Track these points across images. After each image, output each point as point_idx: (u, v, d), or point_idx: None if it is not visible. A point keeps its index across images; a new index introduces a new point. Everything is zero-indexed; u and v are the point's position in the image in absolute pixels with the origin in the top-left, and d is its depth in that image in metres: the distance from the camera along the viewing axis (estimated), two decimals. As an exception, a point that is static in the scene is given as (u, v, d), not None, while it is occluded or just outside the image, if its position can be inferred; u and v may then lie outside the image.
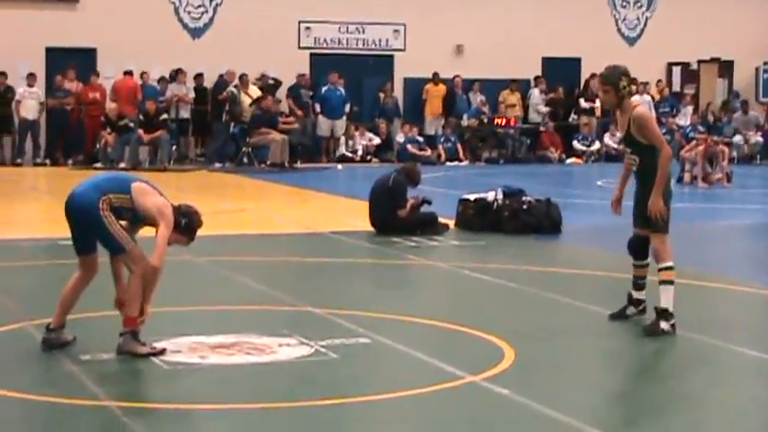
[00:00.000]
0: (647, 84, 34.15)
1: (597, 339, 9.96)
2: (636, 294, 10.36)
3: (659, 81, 35.23)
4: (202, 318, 10.41)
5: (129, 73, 30.09)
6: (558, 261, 14.50)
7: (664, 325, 9.77)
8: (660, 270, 9.98)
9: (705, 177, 25.23)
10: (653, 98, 34.17)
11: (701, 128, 33.94)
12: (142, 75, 30.39)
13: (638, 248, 10.30)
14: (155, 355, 8.86)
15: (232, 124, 30.23)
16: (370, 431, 7.43)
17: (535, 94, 33.86)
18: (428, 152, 31.63)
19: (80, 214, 8.95)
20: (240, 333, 9.63)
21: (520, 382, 8.22)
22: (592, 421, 7.35)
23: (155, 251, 8.80)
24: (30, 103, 29.57)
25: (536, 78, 34.12)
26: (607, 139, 33.40)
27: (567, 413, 7.53)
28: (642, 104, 10.52)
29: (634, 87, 10.45)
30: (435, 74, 32.93)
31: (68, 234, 9.24)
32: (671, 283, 9.93)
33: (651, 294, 10.17)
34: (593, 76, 34.43)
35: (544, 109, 33.85)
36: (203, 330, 9.73)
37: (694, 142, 26.88)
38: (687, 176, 25.57)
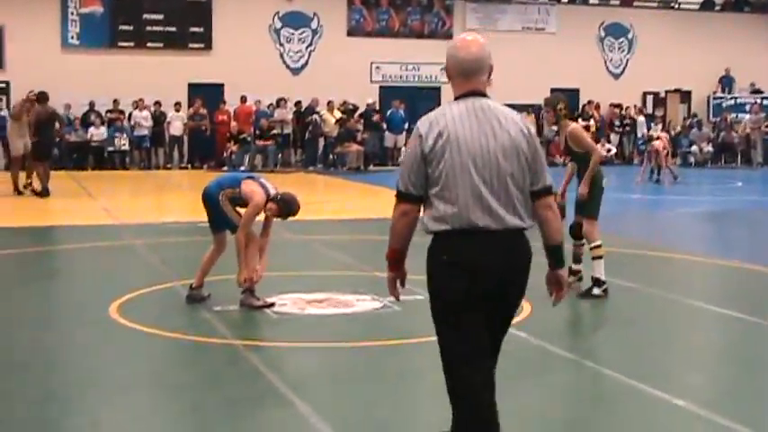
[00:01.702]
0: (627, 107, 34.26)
1: (591, 297, 9.89)
2: (574, 267, 10.05)
3: (635, 105, 34.97)
4: (302, 280, 10.43)
5: (244, 100, 30.23)
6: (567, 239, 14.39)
7: (596, 291, 9.55)
8: (591, 248, 9.67)
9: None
10: (631, 119, 34.02)
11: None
12: (257, 102, 30.50)
13: (578, 232, 10.03)
14: (266, 307, 8.90)
15: (322, 138, 30.30)
16: (426, 363, 7.41)
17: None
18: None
19: (208, 203, 9.07)
20: (329, 291, 9.66)
21: (534, 328, 8.18)
22: (586, 356, 7.32)
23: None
24: (176, 124, 29.81)
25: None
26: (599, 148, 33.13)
27: (569, 350, 7.50)
28: (576, 125, 10.21)
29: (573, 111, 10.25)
30: (471, 101, 32.85)
31: (203, 218, 9.33)
32: (600, 257, 9.60)
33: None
34: (588, 102, 34.29)
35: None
36: (302, 289, 9.76)
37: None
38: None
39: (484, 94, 4.50)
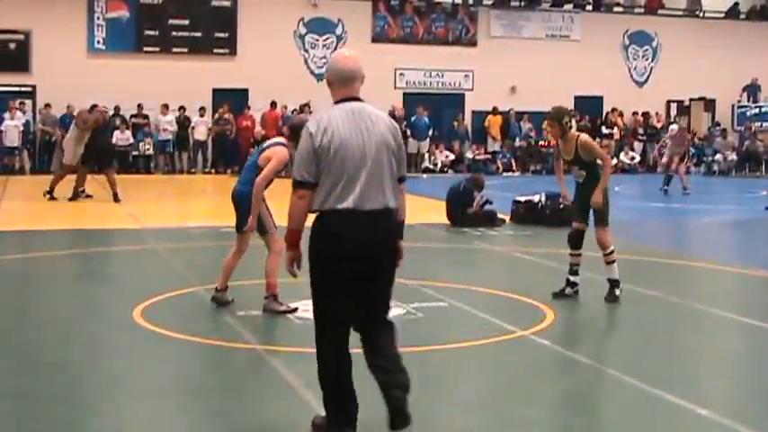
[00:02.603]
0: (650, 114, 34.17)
1: (616, 305, 9.87)
2: (572, 278, 9.94)
3: (657, 113, 34.87)
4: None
5: (273, 105, 30.28)
6: (585, 247, 14.34)
7: (617, 291, 9.71)
8: (605, 255, 9.76)
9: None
10: (653, 128, 33.92)
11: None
12: (283, 108, 30.54)
13: (576, 240, 9.96)
14: (289, 312, 8.90)
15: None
16: (449, 371, 7.42)
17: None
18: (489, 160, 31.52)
19: (238, 202, 8.98)
20: (352, 297, 9.64)
21: (557, 336, 8.18)
22: (609, 364, 7.30)
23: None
24: (201, 129, 29.94)
25: (573, 111, 33.93)
26: (622, 156, 33.07)
27: (591, 358, 7.49)
28: (584, 135, 9.99)
29: (573, 122, 10.07)
30: (495, 108, 32.78)
31: (226, 223, 9.32)
32: (614, 261, 9.75)
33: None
34: (612, 110, 34.23)
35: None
36: (325, 295, 9.75)
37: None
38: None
39: (358, 99, 5.48)
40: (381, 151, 5.35)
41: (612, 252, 9.77)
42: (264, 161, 8.80)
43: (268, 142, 9.13)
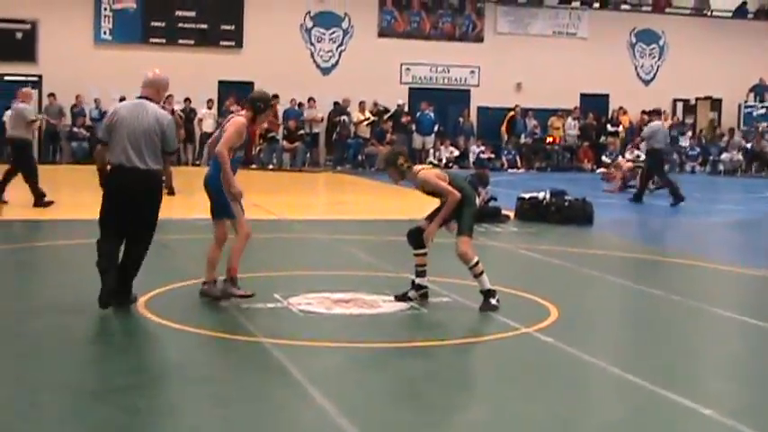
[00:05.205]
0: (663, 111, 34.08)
1: (621, 302, 9.86)
2: (418, 280, 9.43)
3: (664, 111, 34.77)
4: (328, 279, 10.44)
5: (275, 97, 30.28)
6: (590, 244, 14.36)
7: (492, 301, 9.05)
8: (470, 268, 9.12)
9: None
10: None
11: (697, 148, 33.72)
12: (292, 101, 30.54)
13: (416, 238, 9.40)
14: (246, 297, 8.93)
15: (349, 138, 30.39)
16: (452, 366, 7.41)
17: (569, 122, 33.62)
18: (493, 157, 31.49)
19: (209, 187, 9.12)
20: (355, 291, 9.65)
21: (561, 333, 8.16)
22: (614, 363, 7.29)
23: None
24: (208, 121, 29.90)
25: (574, 109, 33.89)
26: (627, 154, 33.01)
27: (595, 356, 7.47)
28: (424, 170, 9.36)
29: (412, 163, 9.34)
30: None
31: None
32: (482, 273, 9.08)
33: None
34: (619, 108, 34.21)
35: (574, 132, 33.60)
36: (329, 288, 9.76)
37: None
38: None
39: (147, 98, 8.70)
40: (148, 131, 8.39)
41: (477, 264, 9.11)
42: (226, 126, 8.98)
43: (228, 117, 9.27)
